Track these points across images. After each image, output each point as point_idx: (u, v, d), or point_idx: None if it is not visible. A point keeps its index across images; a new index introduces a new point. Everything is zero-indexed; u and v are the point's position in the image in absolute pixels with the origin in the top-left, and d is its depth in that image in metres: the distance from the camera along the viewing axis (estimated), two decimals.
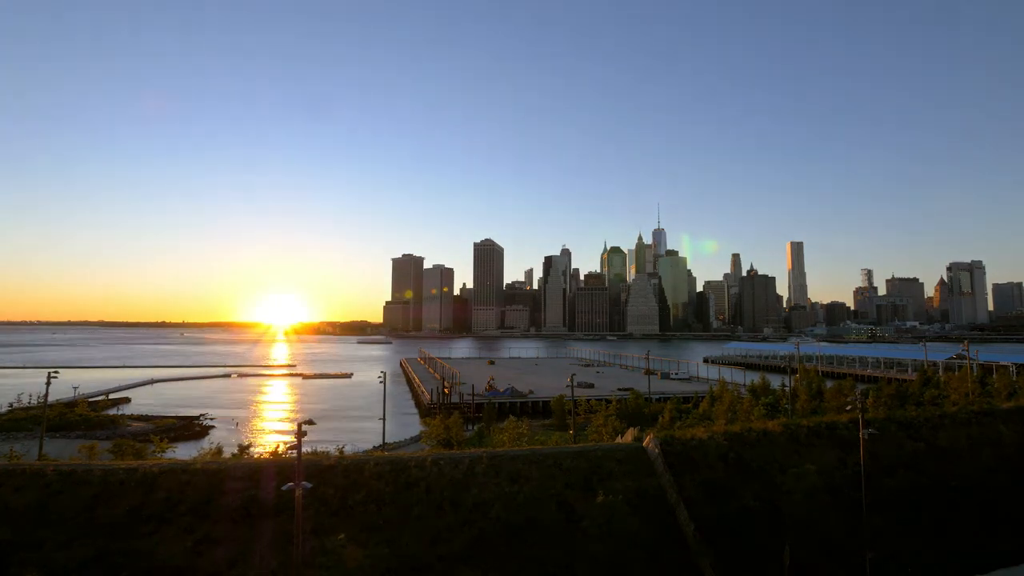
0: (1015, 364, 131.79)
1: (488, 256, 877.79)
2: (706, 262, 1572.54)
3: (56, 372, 67.42)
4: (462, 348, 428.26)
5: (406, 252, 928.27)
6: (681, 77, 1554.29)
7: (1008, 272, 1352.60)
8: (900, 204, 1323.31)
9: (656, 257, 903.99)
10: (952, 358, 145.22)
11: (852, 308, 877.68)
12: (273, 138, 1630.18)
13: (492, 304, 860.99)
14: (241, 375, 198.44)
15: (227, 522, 27.70)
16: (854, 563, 29.98)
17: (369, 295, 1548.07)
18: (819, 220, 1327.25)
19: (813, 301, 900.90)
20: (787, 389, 70.77)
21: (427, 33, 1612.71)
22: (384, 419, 69.95)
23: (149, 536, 26.86)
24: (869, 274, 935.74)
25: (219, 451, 43.33)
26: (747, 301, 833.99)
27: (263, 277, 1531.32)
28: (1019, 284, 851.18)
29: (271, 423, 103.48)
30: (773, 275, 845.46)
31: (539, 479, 32.12)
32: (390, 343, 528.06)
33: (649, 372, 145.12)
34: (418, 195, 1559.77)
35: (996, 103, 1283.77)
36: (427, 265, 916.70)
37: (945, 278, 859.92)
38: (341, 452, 41.77)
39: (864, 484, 32.47)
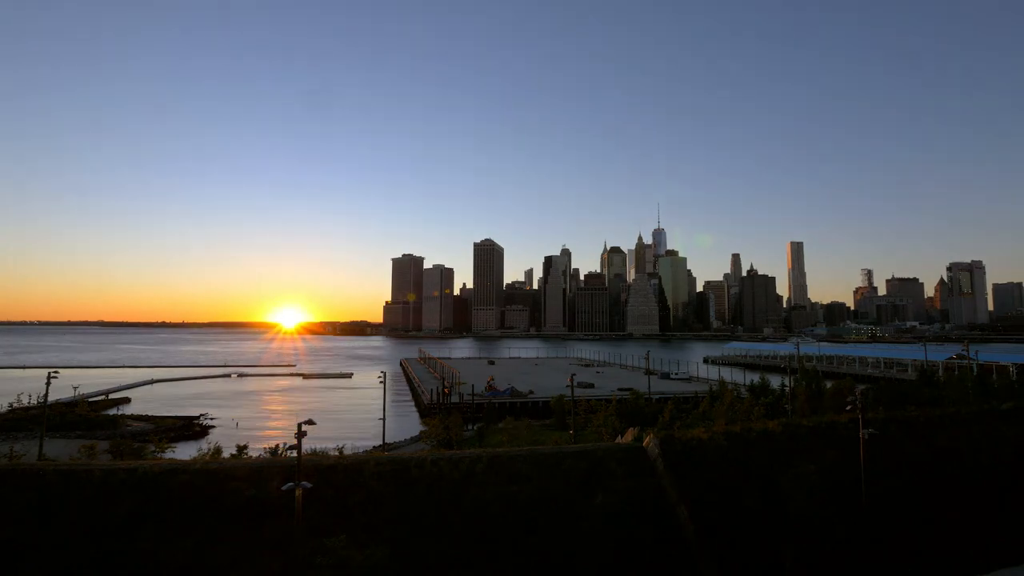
0: (1015, 364, 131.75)
1: (488, 256, 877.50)
2: (703, 258, 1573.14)
3: (56, 372, 67.38)
4: (462, 348, 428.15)
5: (406, 252, 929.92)
6: (681, 76, 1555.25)
7: (1008, 272, 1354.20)
8: (900, 204, 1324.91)
9: (656, 257, 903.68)
10: (952, 358, 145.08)
11: (852, 308, 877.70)
12: (272, 138, 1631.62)
13: (492, 304, 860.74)
14: (241, 375, 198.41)
15: (227, 522, 27.70)
16: (854, 563, 29.99)
17: (369, 295, 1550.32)
18: (819, 220, 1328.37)
19: (813, 301, 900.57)
20: (787, 389, 70.75)
21: (427, 32, 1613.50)
22: (384, 419, 69.95)
23: (150, 537, 26.86)
24: (869, 274, 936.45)
25: (219, 451, 43.35)
26: (747, 301, 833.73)
27: (262, 277, 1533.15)
28: (1019, 284, 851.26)
29: (271, 423, 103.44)
30: (773, 275, 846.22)
31: (539, 479, 32.10)
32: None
33: (649, 372, 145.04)
34: (418, 195, 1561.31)
35: (997, 102, 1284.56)
36: (427, 265, 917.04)
37: (945, 278, 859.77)
38: (341, 452, 41.81)
39: (864, 484, 32.50)
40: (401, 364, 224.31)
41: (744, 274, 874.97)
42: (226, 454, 42.47)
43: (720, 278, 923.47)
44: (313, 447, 42.65)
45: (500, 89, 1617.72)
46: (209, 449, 44.03)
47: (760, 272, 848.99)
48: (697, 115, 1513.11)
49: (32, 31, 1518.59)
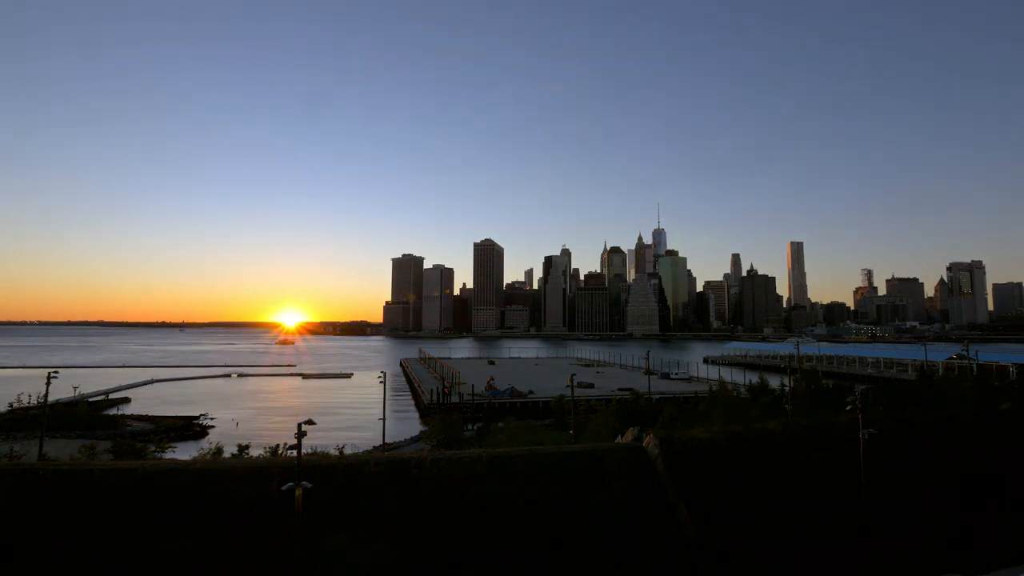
0: (1015, 364, 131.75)
1: (488, 256, 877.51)
2: (703, 258, 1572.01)
3: (56, 372, 67.35)
4: (462, 348, 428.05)
5: (406, 252, 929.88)
6: (681, 77, 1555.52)
7: (1008, 272, 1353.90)
8: (900, 204, 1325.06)
9: (656, 257, 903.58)
10: (952, 358, 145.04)
11: (852, 308, 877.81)
12: (271, 138, 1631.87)
13: (492, 304, 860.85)
14: (241, 375, 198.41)
15: (227, 523, 27.70)
16: (854, 563, 29.99)
17: (369, 295, 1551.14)
18: (819, 220, 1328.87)
19: (813, 301, 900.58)
20: (787, 389, 70.73)
21: (427, 32, 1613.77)
22: (384, 419, 69.92)
23: (149, 537, 26.86)
24: (869, 274, 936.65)
25: (219, 451, 43.39)
26: (747, 301, 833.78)
27: (262, 277, 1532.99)
28: (1019, 284, 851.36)
29: (271, 423, 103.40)
30: (773, 275, 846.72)
31: (539, 479, 32.10)
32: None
33: (649, 372, 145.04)
34: (418, 195, 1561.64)
35: (996, 103, 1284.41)
36: (427, 265, 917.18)
37: (945, 278, 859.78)
38: (341, 452, 41.84)
39: (864, 484, 32.52)
40: (401, 364, 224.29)
41: (744, 274, 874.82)
42: (226, 454, 42.49)
43: (720, 278, 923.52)
44: (313, 447, 42.63)
45: (500, 89, 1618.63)
46: (209, 449, 44.07)
47: (760, 272, 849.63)
48: (697, 115, 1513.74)
49: (34, 31, 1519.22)
